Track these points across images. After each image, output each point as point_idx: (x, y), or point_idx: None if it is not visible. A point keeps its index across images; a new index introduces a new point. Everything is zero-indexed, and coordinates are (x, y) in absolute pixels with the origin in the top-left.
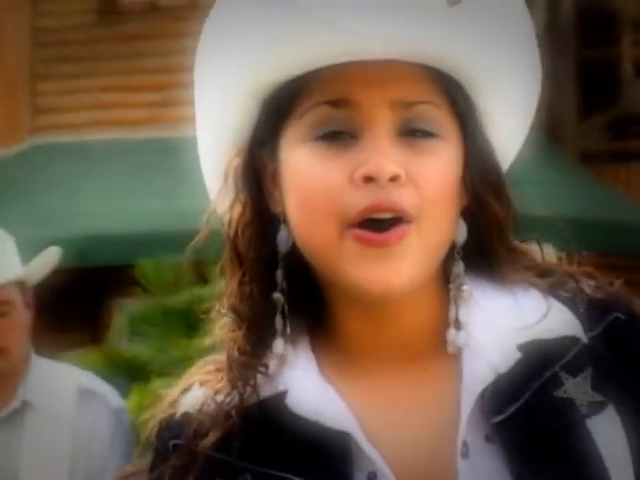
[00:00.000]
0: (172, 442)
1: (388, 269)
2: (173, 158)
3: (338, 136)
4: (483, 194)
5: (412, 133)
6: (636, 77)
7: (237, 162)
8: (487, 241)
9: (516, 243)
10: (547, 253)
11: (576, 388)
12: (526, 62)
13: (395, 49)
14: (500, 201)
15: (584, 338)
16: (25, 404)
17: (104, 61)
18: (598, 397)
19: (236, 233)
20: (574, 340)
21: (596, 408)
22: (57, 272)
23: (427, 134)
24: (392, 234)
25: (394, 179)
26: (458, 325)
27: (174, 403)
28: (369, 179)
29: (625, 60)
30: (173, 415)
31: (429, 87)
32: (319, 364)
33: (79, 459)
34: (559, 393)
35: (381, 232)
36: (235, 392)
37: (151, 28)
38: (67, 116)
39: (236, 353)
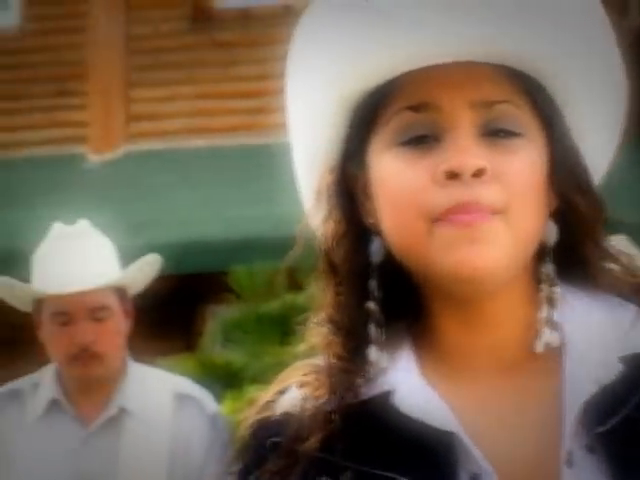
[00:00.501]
0: (270, 440)
1: (474, 251)
2: (268, 165)
3: (422, 140)
4: (572, 196)
5: (495, 133)
6: None
7: (330, 179)
8: (578, 244)
9: (608, 247)
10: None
11: None
12: (607, 68)
13: (472, 50)
14: (589, 203)
15: None
16: (122, 410)
17: (198, 68)
18: None
19: (331, 246)
20: None
21: None
22: (153, 279)
23: (510, 133)
24: (479, 217)
25: (478, 174)
26: (552, 325)
27: (270, 404)
28: (452, 175)
29: None
30: (270, 415)
31: (509, 87)
32: (420, 366)
33: (176, 464)
34: None
35: (468, 216)
36: (335, 395)
37: (245, 35)
38: (162, 123)
39: (334, 360)
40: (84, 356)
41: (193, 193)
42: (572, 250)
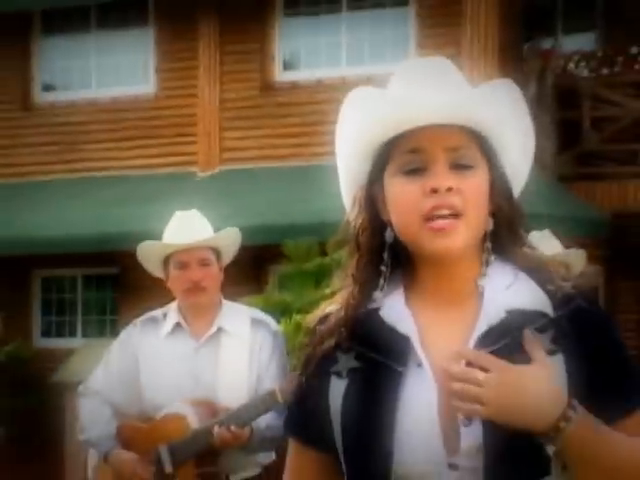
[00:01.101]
0: (317, 334)
1: (446, 242)
2: (314, 180)
3: (415, 171)
4: (501, 203)
5: (458, 166)
6: (592, 129)
7: (360, 194)
8: (504, 232)
9: (523, 237)
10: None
11: (541, 341)
12: (522, 124)
13: (444, 118)
14: (511, 208)
15: (552, 314)
16: (220, 329)
17: (265, 119)
18: (553, 347)
19: (358, 232)
20: (545, 314)
21: (550, 353)
22: (238, 249)
23: (467, 166)
24: (447, 225)
25: (449, 190)
26: (484, 276)
27: (317, 320)
28: (434, 190)
29: (585, 118)
30: (315, 327)
31: (466, 138)
32: (406, 299)
33: (253, 364)
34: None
35: (443, 222)
36: (346, 314)
37: (296, 98)
38: (242, 153)
39: (352, 299)
40: (195, 289)
41: (263, 196)
42: (501, 236)
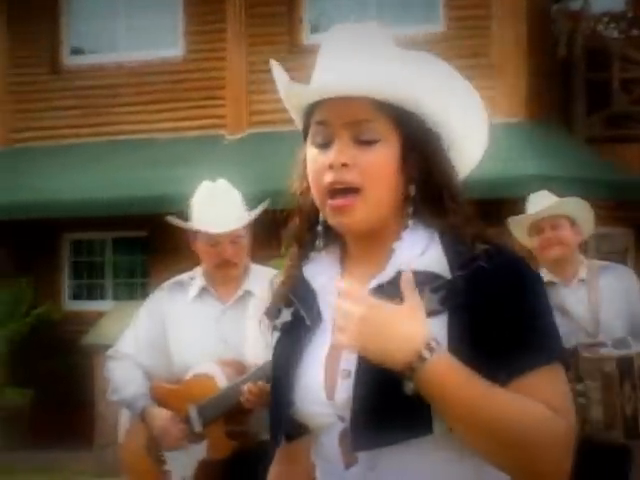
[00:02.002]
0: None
1: (345, 220)
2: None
3: (323, 144)
4: (416, 174)
5: (360, 140)
6: (621, 91)
7: (301, 156)
8: (425, 200)
9: (451, 204)
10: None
11: (429, 300)
12: (445, 95)
13: (350, 90)
14: (433, 177)
15: (448, 276)
16: (247, 292)
17: (296, 81)
18: (439, 307)
19: (298, 194)
20: (439, 276)
21: (435, 313)
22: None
23: (370, 141)
24: (344, 202)
25: (344, 165)
26: (399, 239)
27: (275, 279)
28: (331, 166)
29: (614, 80)
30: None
31: (372, 111)
32: (342, 260)
33: None
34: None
35: (339, 201)
36: (289, 272)
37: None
38: (267, 116)
39: (290, 259)
40: (226, 265)
41: (290, 160)
42: (423, 202)
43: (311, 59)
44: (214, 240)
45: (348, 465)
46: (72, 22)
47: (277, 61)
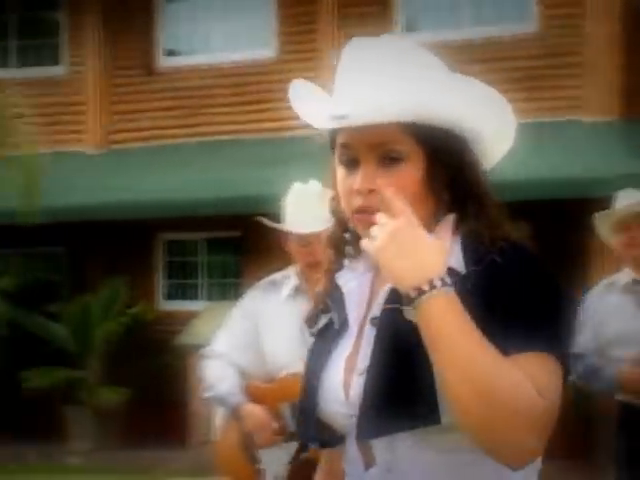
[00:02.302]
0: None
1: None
2: None
3: (350, 162)
4: (441, 188)
5: (386, 160)
6: None
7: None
8: (453, 207)
9: (476, 210)
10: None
11: None
12: (469, 109)
13: (377, 119)
14: (457, 188)
15: (463, 271)
16: None
17: None
18: None
19: (333, 200)
20: (456, 272)
21: None
22: None
23: (395, 160)
24: (371, 219)
25: (371, 191)
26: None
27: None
28: (359, 192)
29: None
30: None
31: (395, 131)
32: (375, 267)
33: None
34: None
35: (366, 216)
36: (327, 278)
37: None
38: None
39: (327, 264)
40: (318, 265)
41: None
42: (452, 207)
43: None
44: (305, 240)
45: (367, 466)
46: (166, 24)
47: None
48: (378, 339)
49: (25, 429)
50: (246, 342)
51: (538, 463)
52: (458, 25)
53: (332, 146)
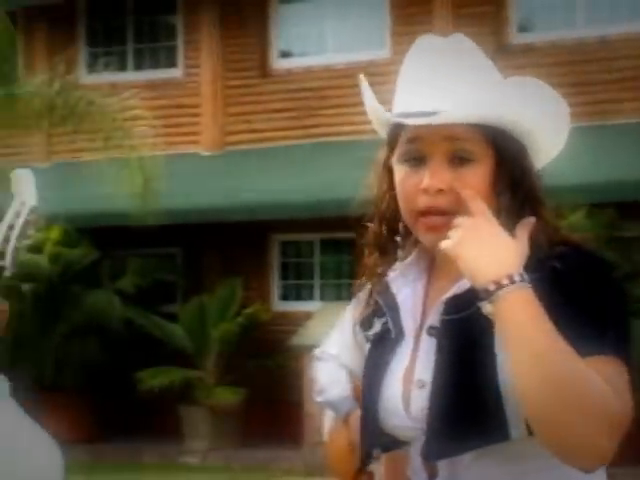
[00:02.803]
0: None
1: (436, 239)
2: None
3: (415, 160)
4: (504, 191)
5: (456, 158)
6: None
7: (382, 162)
8: (511, 213)
9: (533, 213)
10: None
11: None
12: (534, 113)
13: (452, 120)
14: (518, 192)
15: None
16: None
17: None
18: None
19: (377, 200)
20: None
21: None
22: None
23: (465, 159)
24: (438, 223)
25: (439, 191)
26: None
27: (357, 287)
28: (426, 191)
29: None
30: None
31: (467, 129)
32: (431, 270)
33: None
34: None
35: (433, 219)
36: (377, 282)
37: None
38: None
39: (373, 268)
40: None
41: None
42: (509, 212)
43: (518, 59)
44: None
45: (431, 477)
46: (281, 26)
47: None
48: (440, 351)
49: (141, 429)
50: (354, 342)
51: (604, 470)
52: (572, 25)
53: (391, 143)
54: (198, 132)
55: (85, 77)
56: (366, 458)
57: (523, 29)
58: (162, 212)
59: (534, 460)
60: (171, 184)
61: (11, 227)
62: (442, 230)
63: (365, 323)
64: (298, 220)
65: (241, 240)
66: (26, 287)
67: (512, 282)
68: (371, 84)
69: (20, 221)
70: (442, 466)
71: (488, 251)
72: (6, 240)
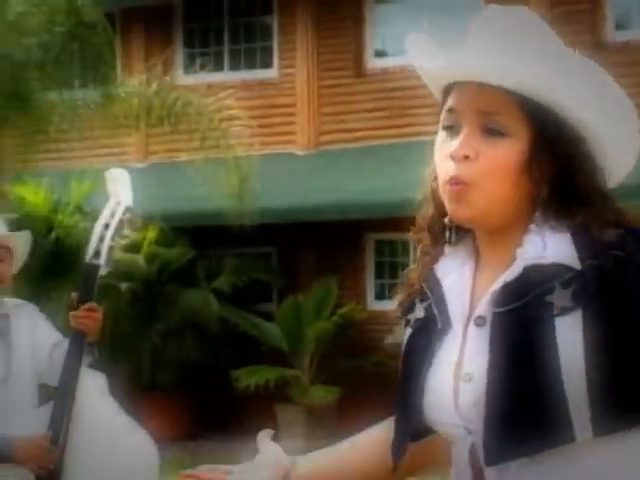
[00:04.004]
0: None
1: (456, 209)
2: None
3: (452, 128)
4: (545, 173)
5: (489, 130)
6: None
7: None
8: (555, 202)
9: (582, 208)
10: None
11: (561, 297)
12: (596, 94)
13: (488, 78)
14: (564, 178)
15: (578, 266)
16: None
17: None
18: (571, 304)
19: (430, 181)
20: (569, 267)
21: (568, 310)
22: None
23: (498, 132)
24: (457, 191)
25: (466, 157)
26: (527, 237)
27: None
28: (452, 157)
29: None
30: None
31: (503, 102)
32: (477, 257)
33: None
34: (548, 298)
35: (455, 187)
36: (424, 265)
37: None
38: None
39: (422, 252)
40: None
41: None
42: (555, 204)
43: (615, 57)
44: None
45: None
46: (376, 26)
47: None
48: (493, 344)
49: (237, 427)
50: None
51: None
52: None
53: (440, 111)
54: (293, 132)
55: (182, 78)
56: (400, 452)
57: (620, 27)
58: (257, 212)
59: (594, 464)
60: (266, 184)
61: (106, 226)
62: (463, 199)
63: (406, 306)
64: (393, 219)
65: (336, 239)
66: (124, 286)
67: None
68: None
69: (115, 220)
70: (489, 471)
71: None
72: (101, 239)
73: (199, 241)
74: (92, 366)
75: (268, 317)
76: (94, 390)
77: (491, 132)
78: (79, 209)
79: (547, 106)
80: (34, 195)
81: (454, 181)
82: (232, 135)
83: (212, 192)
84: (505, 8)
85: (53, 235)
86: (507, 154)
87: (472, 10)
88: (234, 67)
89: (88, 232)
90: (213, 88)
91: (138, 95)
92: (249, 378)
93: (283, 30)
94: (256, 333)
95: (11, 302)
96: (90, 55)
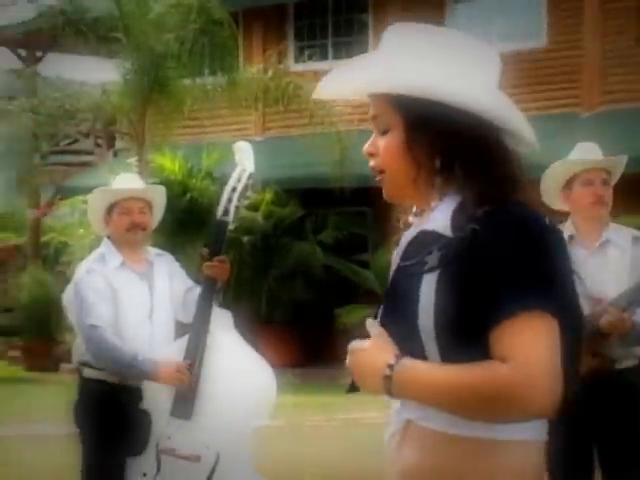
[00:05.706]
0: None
1: (383, 191)
2: None
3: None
4: (420, 154)
5: (382, 131)
6: None
7: None
8: (445, 172)
9: (466, 173)
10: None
11: (433, 257)
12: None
13: (370, 89)
14: (442, 153)
15: (450, 235)
16: (607, 240)
17: None
18: (435, 264)
19: None
20: (443, 236)
21: (432, 269)
22: None
23: (384, 130)
24: (380, 178)
25: (370, 154)
26: (433, 207)
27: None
28: (365, 153)
29: None
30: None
31: (381, 105)
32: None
33: (632, 275)
34: (427, 259)
35: (378, 176)
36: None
37: None
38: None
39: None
40: (599, 203)
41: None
42: (447, 173)
43: None
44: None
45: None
46: (456, 23)
47: (627, 49)
48: (389, 290)
49: (338, 356)
50: None
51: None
52: None
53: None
54: None
55: (293, 66)
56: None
57: None
58: (355, 177)
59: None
60: (361, 154)
61: (234, 189)
62: (383, 184)
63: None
64: None
65: None
66: (245, 239)
67: (388, 377)
68: (530, 69)
69: (241, 185)
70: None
71: (362, 374)
72: (229, 200)
73: (307, 201)
74: (220, 305)
75: (364, 265)
76: (222, 325)
77: (383, 131)
78: (209, 175)
79: (417, 102)
80: (171, 163)
81: (375, 172)
82: (335, 113)
83: (318, 160)
84: (393, 27)
85: (187, 197)
86: (392, 145)
87: (534, 7)
88: (337, 57)
89: (218, 194)
90: (319, 75)
91: (257, 81)
92: (348, 315)
93: (376, 25)
94: (354, 278)
95: (153, 251)
96: (218, 47)
